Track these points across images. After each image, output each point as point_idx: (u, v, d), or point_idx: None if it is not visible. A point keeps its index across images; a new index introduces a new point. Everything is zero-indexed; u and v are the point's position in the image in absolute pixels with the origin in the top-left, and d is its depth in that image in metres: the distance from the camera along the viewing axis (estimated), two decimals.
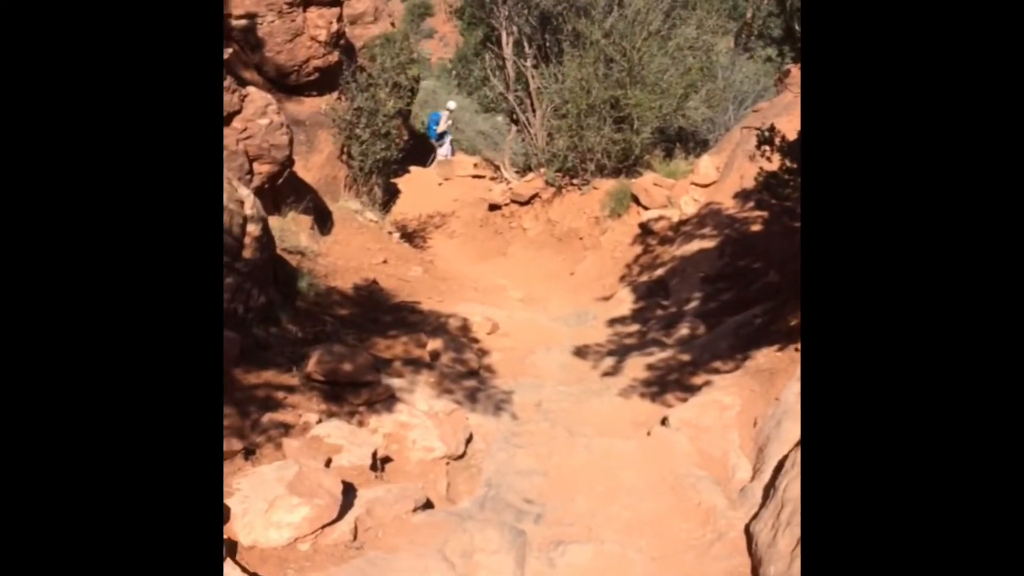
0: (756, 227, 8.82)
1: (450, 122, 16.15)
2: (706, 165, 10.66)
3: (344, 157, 10.74)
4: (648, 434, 4.99)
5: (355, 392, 4.91)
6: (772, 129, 7.27)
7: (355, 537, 3.45)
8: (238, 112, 7.47)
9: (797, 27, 6.15)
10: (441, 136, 16.14)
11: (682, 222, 10.00)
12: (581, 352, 7.06)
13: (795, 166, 6.92)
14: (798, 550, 3.19)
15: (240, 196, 5.54)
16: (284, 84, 10.46)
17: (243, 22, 9.79)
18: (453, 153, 16.25)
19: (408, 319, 7.22)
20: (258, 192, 6.84)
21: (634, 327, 7.79)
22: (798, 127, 8.33)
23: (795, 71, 10.48)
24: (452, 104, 16.35)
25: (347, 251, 8.79)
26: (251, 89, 7.85)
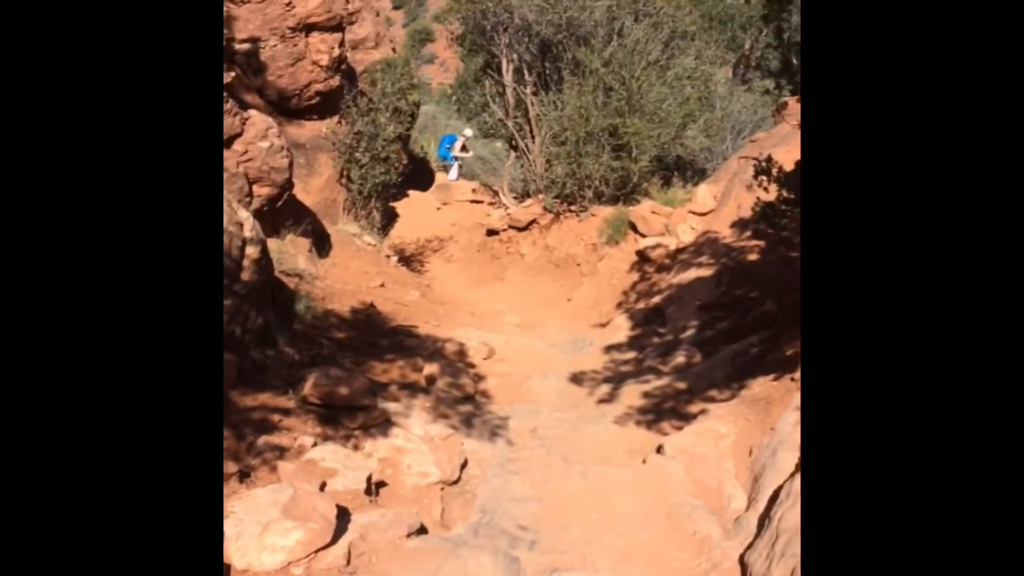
0: (753, 256, 8.85)
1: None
2: (704, 194, 10.72)
3: (343, 181, 10.79)
4: (643, 462, 4.98)
5: (351, 416, 4.90)
6: (769, 159, 7.34)
7: (349, 562, 3.43)
8: (239, 135, 7.51)
9: (794, 60, 6.22)
10: (453, 158, 16.27)
11: (679, 250, 10.03)
12: (577, 379, 7.06)
13: (792, 196, 6.97)
14: None
15: (239, 218, 5.57)
16: (285, 108, 10.54)
17: (246, 46, 9.87)
18: (458, 178, 16.34)
19: (405, 343, 7.22)
20: (257, 214, 6.86)
21: (630, 354, 7.80)
22: (795, 158, 8.39)
23: (792, 103, 10.58)
24: (469, 131, 16.46)
25: (345, 274, 8.80)
26: (252, 112, 7.90)
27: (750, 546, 3.75)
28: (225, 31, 9.33)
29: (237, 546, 3.24)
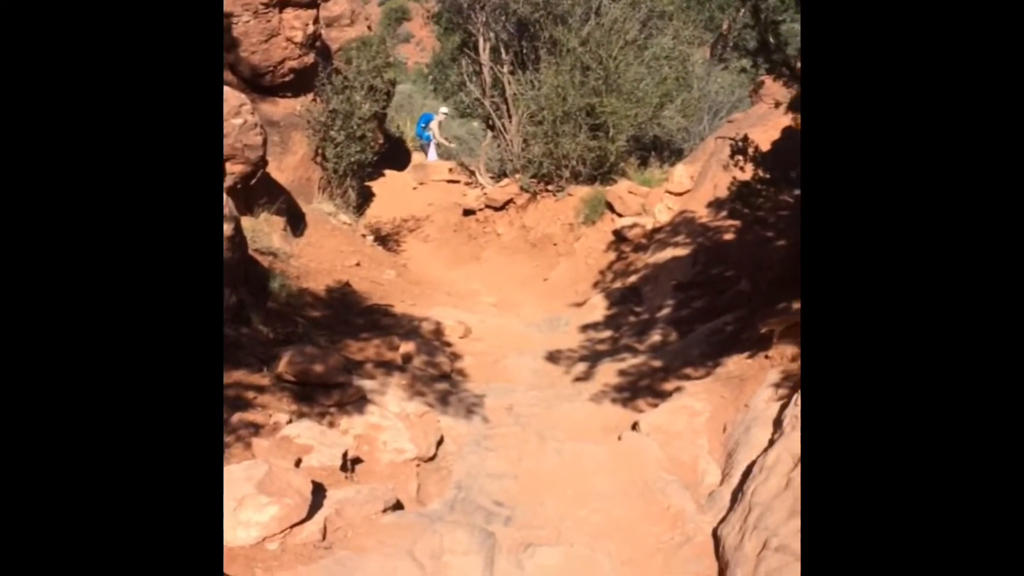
0: (728, 236, 8.90)
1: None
2: (680, 174, 10.74)
3: (318, 159, 10.70)
4: (619, 439, 5.01)
5: (326, 393, 4.89)
6: (746, 139, 7.37)
7: (324, 537, 3.43)
8: None
9: (771, 39, 6.23)
10: (430, 137, 16.18)
11: (656, 230, 10.06)
12: (553, 357, 7.08)
13: (768, 176, 7.01)
14: (764, 553, 3.22)
15: None
16: (259, 84, 10.41)
17: None
18: (435, 158, 16.23)
19: (381, 322, 7.20)
20: (231, 192, 6.79)
21: (606, 333, 7.83)
22: (771, 138, 8.44)
23: (769, 83, 10.60)
24: (444, 109, 16.35)
25: (320, 253, 8.75)
26: (225, 89, 7.80)
27: (723, 520, 3.79)
28: None
29: None
